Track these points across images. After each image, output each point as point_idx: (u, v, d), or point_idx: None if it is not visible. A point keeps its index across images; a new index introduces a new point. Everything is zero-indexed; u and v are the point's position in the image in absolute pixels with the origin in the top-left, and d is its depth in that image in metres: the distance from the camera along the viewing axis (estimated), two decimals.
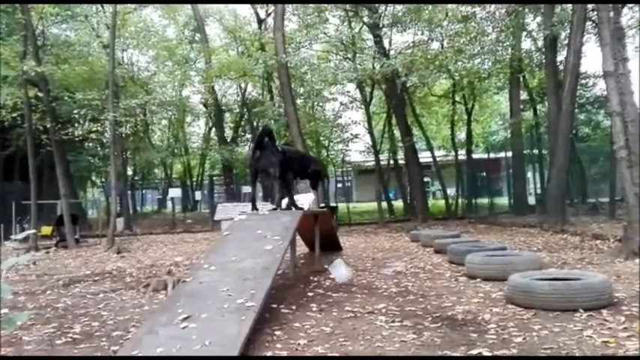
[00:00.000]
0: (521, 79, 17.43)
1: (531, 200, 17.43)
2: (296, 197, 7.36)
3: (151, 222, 21.28)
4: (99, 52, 19.48)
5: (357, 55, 18.87)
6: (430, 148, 21.58)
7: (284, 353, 3.46)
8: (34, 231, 11.73)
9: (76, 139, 15.83)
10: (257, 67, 17.02)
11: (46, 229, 14.07)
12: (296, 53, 17.18)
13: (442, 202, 21.62)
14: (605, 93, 9.88)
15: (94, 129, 15.54)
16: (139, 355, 3.34)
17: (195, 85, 23.10)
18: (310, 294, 5.49)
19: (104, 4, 18.27)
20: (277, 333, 3.97)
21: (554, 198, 12.36)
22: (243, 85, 23.87)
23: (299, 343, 3.67)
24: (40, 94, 14.38)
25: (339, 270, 6.21)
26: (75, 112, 15.48)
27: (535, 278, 4.74)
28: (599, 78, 17.03)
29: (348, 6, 17.53)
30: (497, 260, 6.09)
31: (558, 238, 10.06)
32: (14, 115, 14.71)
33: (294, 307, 4.83)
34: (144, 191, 31.18)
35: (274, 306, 4.83)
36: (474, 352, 3.29)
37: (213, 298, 4.12)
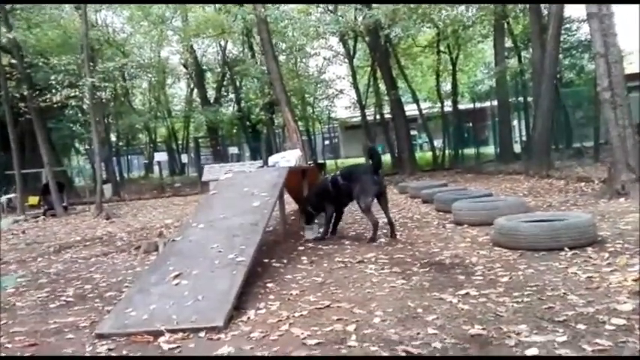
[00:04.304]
0: (506, 25, 17.21)
1: (517, 148, 17.58)
2: (282, 154, 7.33)
3: (139, 187, 21.16)
4: (71, 14, 18.78)
5: (339, 6, 18.42)
6: (416, 101, 21.50)
7: (277, 304, 3.51)
8: (15, 195, 11.57)
9: (55, 105, 15.48)
10: (236, 23, 16.56)
11: (33, 199, 13.93)
12: (275, 7, 16.69)
13: (429, 155, 21.75)
14: (589, 37, 9.81)
15: (72, 94, 15.15)
16: (132, 313, 3.37)
17: (173, 44, 22.51)
18: (301, 248, 5.55)
19: None
20: (269, 285, 4.02)
21: (539, 144, 12.46)
22: (223, 44, 23.31)
23: (291, 294, 3.73)
24: (14, 61, 13.94)
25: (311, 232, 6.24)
26: (52, 78, 15.06)
27: (520, 220, 4.82)
28: (582, 22, 16.86)
29: None
30: (483, 206, 6.18)
31: (543, 183, 10.20)
32: None
33: (285, 261, 4.88)
34: (129, 157, 30.92)
35: (266, 261, 4.88)
36: (462, 292, 3.37)
37: (203, 255, 4.14)
